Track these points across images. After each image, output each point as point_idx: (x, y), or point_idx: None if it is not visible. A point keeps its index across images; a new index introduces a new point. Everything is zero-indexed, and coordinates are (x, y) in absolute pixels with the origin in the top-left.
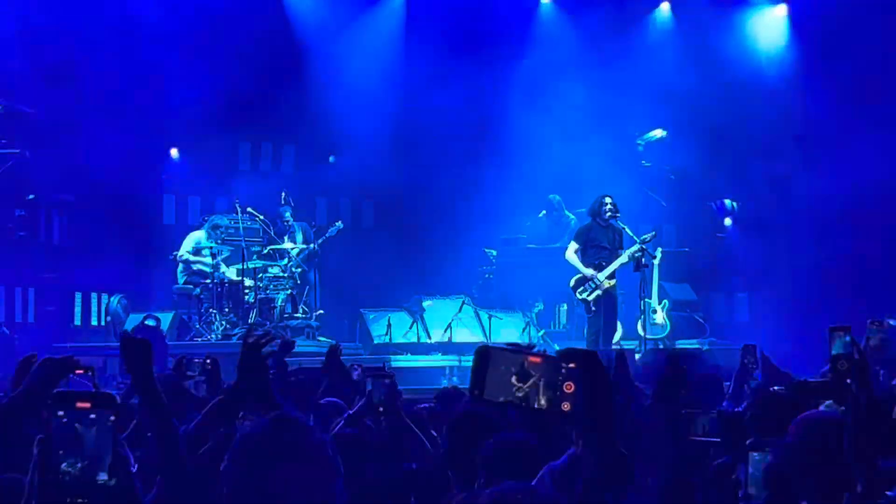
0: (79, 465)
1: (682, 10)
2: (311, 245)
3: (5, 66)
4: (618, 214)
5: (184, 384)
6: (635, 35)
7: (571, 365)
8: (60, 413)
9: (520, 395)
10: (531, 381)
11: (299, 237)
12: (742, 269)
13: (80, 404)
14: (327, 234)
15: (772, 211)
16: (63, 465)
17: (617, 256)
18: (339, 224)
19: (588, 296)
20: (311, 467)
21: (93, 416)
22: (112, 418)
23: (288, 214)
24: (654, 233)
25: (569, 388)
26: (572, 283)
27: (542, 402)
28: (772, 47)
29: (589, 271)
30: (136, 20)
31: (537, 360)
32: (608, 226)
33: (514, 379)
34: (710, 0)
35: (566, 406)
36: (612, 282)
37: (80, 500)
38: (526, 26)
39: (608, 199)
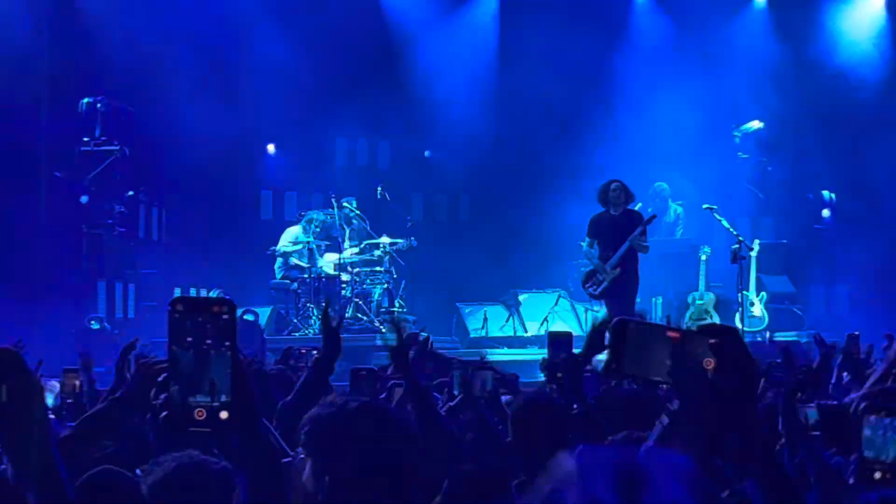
0: (175, 387)
1: (779, 0)
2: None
3: (106, 64)
4: (632, 199)
5: (291, 375)
6: (732, 25)
7: (712, 341)
8: (176, 329)
9: (657, 370)
10: (669, 358)
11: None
12: (841, 260)
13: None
14: (398, 247)
15: (870, 201)
16: (173, 386)
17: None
18: (413, 241)
19: (595, 291)
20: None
21: (207, 329)
22: (227, 332)
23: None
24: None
25: (708, 364)
26: (582, 278)
27: None
28: (869, 37)
29: (598, 263)
30: (234, 17)
31: (676, 335)
32: (619, 213)
33: (651, 354)
34: None
35: None
36: (617, 270)
37: (194, 429)
38: (622, 18)
39: (616, 185)
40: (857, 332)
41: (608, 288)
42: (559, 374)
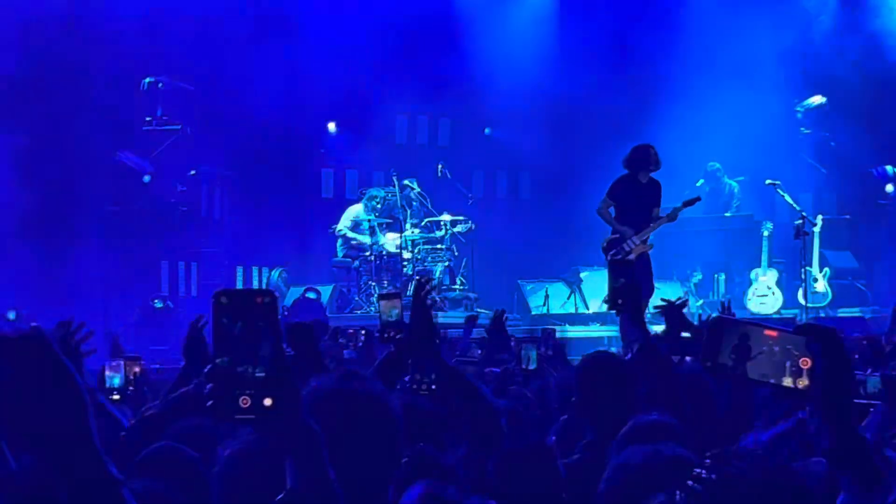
0: (226, 359)
1: None
2: (445, 230)
3: (168, 43)
4: (659, 167)
5: (342, 353)
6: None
7: (809, 339)
8: (221, 316)
9: (752, 368)
10: (766, 355)
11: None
12: None
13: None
14: (458, 228)
15: None
16: (220, 361)
17: (653, 216)
18: (472, 225)
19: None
20: (374, 420)
21: (251, 317)
22: (269, 319)
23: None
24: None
25: (805, 363)
26: (604, 244)
27: (778, 378)
28: None
29: (626, 230)
30: None
31: (773, 333)
32: (646, 182)
33: (747, 352)
34: None
35: (802, 383)
36: (649, 245)
37: (246, 392)
38: None
39: (654, 151)
40: None
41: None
42: (620, 301)
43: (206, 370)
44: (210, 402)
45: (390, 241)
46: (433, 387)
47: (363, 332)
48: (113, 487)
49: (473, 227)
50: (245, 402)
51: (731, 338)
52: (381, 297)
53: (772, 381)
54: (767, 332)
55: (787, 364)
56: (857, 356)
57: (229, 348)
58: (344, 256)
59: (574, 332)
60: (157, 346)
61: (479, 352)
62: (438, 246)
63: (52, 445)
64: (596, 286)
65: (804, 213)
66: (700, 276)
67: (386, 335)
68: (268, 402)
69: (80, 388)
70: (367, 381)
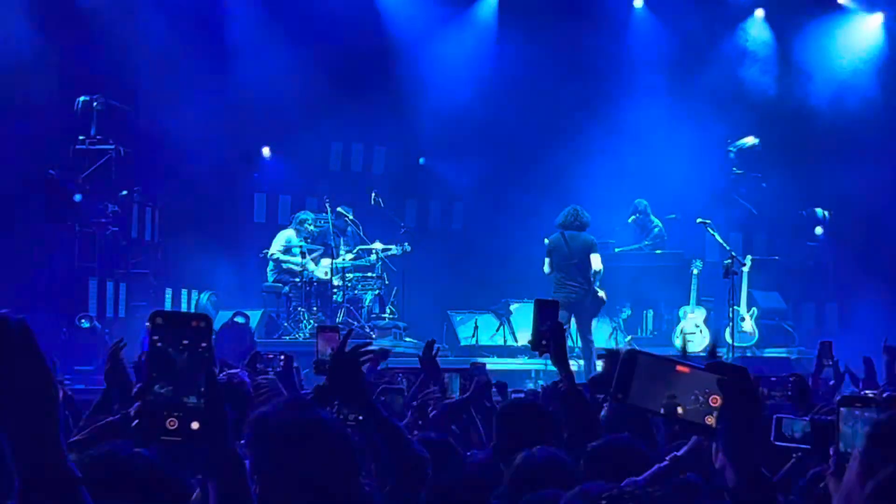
0: (169, 387)
1: (776, 17)
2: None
3: (103, 64)
4: None
5: (255, 378)
6: (729, 40)
7: (720, 378)
8: (156, 338)
9: (664, 404)
10: (677, 392)
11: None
12: (833, 277)
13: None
14: (392, 252)
15: (864, 220)
16: (156, 387)
17: None
18: (407, 247)
19: None
20: (327, 448)
21: (185, 341)
22: (203, 345)
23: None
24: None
25: (714, 401)
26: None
27: (687, 413)
28: (867, 56)
29: None
30: (229, 20)
31: (685, 370)
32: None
33: (659, 387)
34: (805, 7)
35: (710, 420)
36: None
37: (174, 414)
38: (619, 29)
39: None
40: (829, 341)
41: None
42: (544, 342)
43: (136, 389)
44: (136, 422)
45: (323, 267)
46: (360, 418)
47: (282, 356)
48: (71, 484)
49: (409, 249)
50: (172, 423)
51: (642, 372)
52: (321, 329)
53: (682, 417)
54: (679, 368)
55: (700, 401)
56: (788, 393)
57: (170, 376)
58: (274, 282)
59: (502, 364)
60: (82, 367)
61: (402, 379)
62: (369, 274)
63: (16, 432)
64: (525, 319)
65: (734, 253)
66: (629, 312)
67: (321, 368)
68: (195, 425)
69: (53, 379)
70: (325, 411)
